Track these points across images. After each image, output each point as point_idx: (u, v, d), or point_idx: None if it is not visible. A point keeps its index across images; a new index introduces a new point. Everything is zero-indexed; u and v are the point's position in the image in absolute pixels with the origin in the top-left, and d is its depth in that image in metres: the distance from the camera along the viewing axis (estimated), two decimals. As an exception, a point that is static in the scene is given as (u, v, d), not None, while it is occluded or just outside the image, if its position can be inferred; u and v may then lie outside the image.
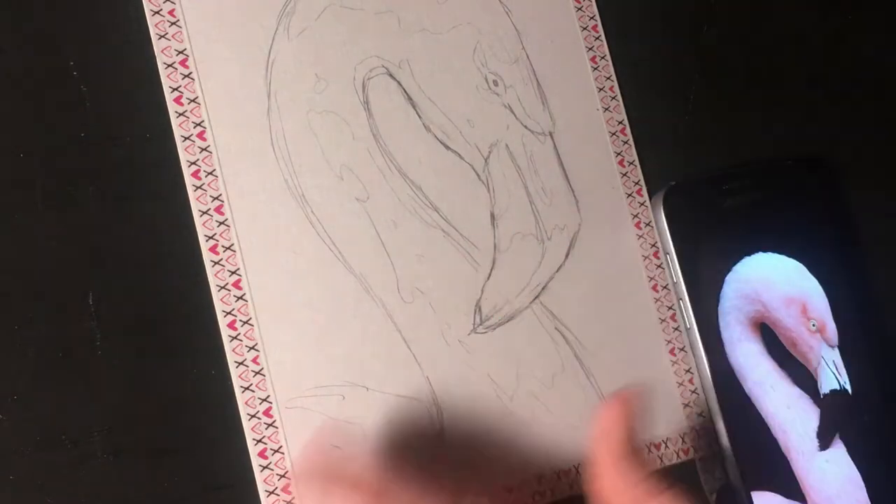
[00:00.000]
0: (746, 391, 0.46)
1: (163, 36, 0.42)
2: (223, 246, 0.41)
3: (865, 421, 0.48)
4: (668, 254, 0.47)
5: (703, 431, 0.47)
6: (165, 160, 0.41)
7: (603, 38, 0.49)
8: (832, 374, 0.48)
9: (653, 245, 0.48)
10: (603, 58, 0.49)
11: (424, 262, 0.44)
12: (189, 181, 0.41)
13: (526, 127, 0.47)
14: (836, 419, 0.47)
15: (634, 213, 0.48)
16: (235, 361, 0.40)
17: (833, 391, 0.48)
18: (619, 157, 0.48)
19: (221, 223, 0.41)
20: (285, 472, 0.40)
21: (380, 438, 0.41)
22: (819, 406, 0.47)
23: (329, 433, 0.41)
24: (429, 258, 0.44)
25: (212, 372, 0.41)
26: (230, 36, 0.43)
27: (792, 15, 0.54)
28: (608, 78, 0.49)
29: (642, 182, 0.48)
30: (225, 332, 0.41)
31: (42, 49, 0.41)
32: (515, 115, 0.46)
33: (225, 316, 0.41)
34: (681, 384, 0.47)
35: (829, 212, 0.51)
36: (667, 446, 0.46)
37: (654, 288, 0.47)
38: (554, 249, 0.46)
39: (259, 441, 0.40)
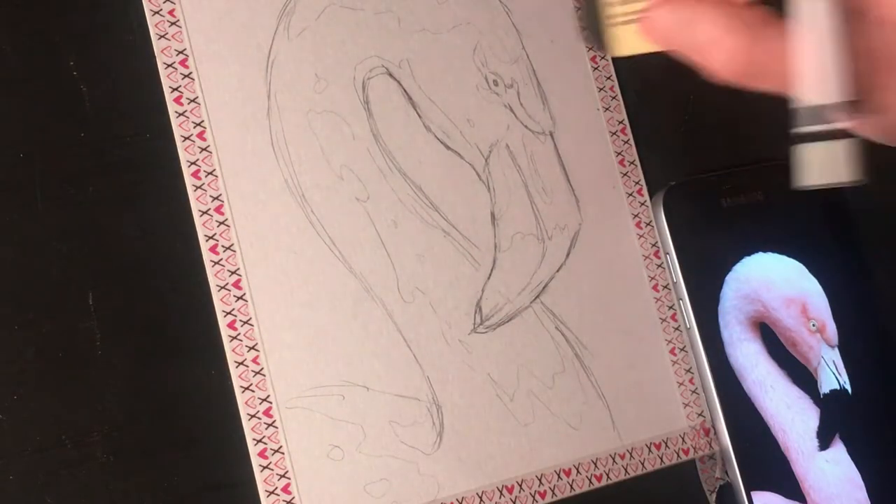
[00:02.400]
0: (746, 391, 0.46)
1: (163, 36, 0.42)
2: (223, 246, 0.41)
3: (865, 421, 0.48)
4: (668, 254, 0.47)
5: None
6: (165, 160, 0.41)
7: (603, 37, 0.49)
8: (832, 374, 0.48)
9: (653, 245, 0.48)
10: (603, 58, 0.49)
11: (424, 262, 0.44)
12: (189, 181, 0.41)
13: (526, 127, 0.47)
14: (836, 419, 0.47)
15: (635, 213, 0.48)
16: (235, 361, 0.40)
17: (833, 391, 0.48)
18: (620, 157, 0.48)
19: (221, 223, 0.41)
20: (285, 472, 0.40)
21: None
22: (819, 406, 0.47)
23: None
24: (429, 258, 0.44)
25: (212, 372, 0.41)
26: (230, 36, 0.43)
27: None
28: (608, 78, 0.49)
29: (643, 182, 0.48)
30: (225, 332, 0.41)
31: (42, 49, 0.41)
32: (516, 115, 0.46)
33: (225, 316, 0.41)
34: (681, 384, 0.47)
35: (829, 212, 0.51)
36: (667, 446, 0.46)
37: (655, 288, 0.47)
38: (554, 249, 0.46)
39: (259, 441, 0.40)
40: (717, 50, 0.37)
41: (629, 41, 0.40)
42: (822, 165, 0.35)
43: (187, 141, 0.41)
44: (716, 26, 0.37)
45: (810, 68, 0.34)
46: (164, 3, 0.42)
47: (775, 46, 0.36)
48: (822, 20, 0.34)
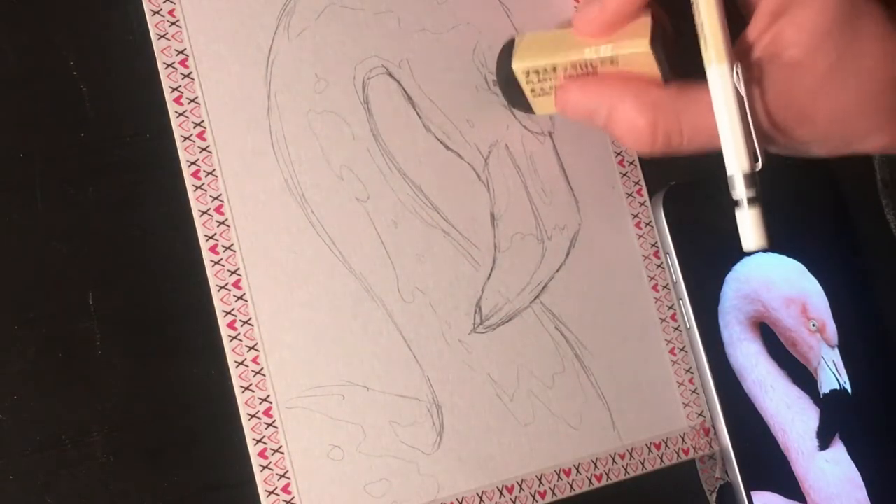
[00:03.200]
0: (746, 391, 0.46)
1: (163, 36, 0.42)
2: (223, 246, 0.41)
3: (865, 421, 0.48)
4: (668, 254, 0.47)
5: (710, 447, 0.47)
6: (165, 160, 0.41)
7: (603, 38, 0.49)
8: (832, 374, 0.48)
9: (653, 245, 0.48)
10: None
11: (424, 262, 0.44)
12: (189, 181, 0.41)
13: (526, 127, 0.47)
14: (836, 419, 0.47)
15: (634, 213, 0.48)
16: (235, 361, 0.40)
17: (833, 391, 0.48)
18: (619, 157, 0.48)
19: (221, 223, 0.41)
20: (285, 472, 0.40)
21: None
22: (819, 406, 0.47)
23: None
24: (429, 258, 0.44)
25: (212, 372, 0.41)
26: (230, 36, 0.43)
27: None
28: (608, 78, 0.49)
29: (642, 182, 0.48)
30: (225, 332, 0.41)
31: (42, 49, 0.41)
32: (515, 116, 0.46)
33: (225, 316, 0.41)
34: (681, 384, 0.47)
35: (829, 212, 0.51)
36: (667, 446, 0.46)
37: (654, 288, 0.47)
38: (554, 249, 0.46)
39: (259, 441, 0.40)
40: (629, 129, 0.38)
41: (550, 108, 0.42)
42: (746, 231, 0.37)
43: (187, 141, 0.41)
44: (625, 108, 0.38)
45: (724, 139, 0.36)
46: (164, 3, 0.42)
47: (687, 120, 0.38)
48: (729, 83, 0.36)
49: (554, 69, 0.40)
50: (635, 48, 0.37)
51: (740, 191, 0.37)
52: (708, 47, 0.37)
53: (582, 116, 0.40)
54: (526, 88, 0.41)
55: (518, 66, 0.40)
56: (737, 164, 0.37)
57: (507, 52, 0.41)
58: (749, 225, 0.37)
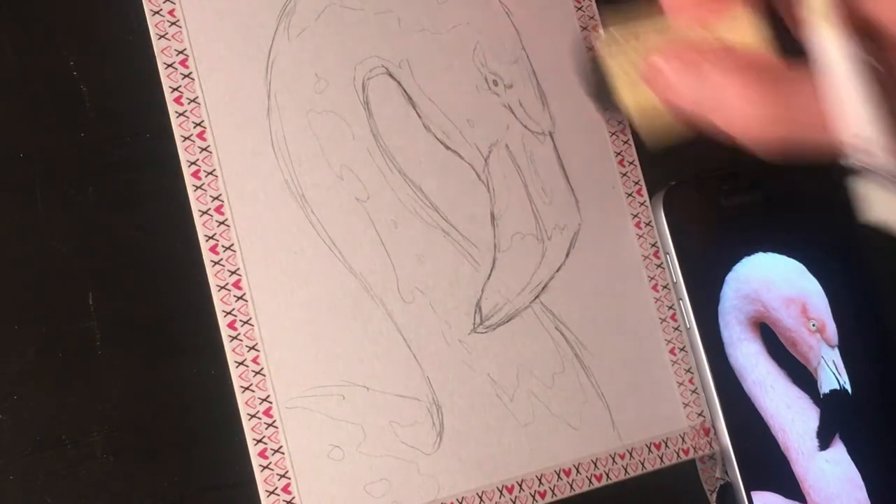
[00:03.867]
0: (746, 391, 0.46)
1: (163, 36, 0.42)
2: (223, 246, 0.41)
3: (865, 421, 0.48)
4: (668, 254, 0.47)
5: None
6: (165, 160, 0.41)
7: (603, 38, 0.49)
8: (832, 374, 0.48)
9: (653, 245, 0.48)
10: (603, 58, 0.49)
11: (424, 262, 0.44)
12: (189, 181, 0.41)
13: (526, 127, 0.47)
14: (836, 419, 0.47)
15: (634, 213, 0.48)
16: (235, 361, 0.40)
17: (833, 391, 0.48)
18: (619, 157, 0.48)
19: (221, 223, 0.41)
20: (285, 472, 0.40)
21: None
22: (819, 406, 0.47)
23: None
24: (429, 258, 0.44)
25: (212, 372, 0.41)
26: (230, 36, 0.43)
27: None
28: (608, 78, 0.49)
29: (642, 182, 0.48)
30: (225, 332, 0.41)
31: (42, 49, 0.41)
32: (515, 115, 0.46)
33: (225, 316, 0.41)
34: (681, 384, 0.47)
35: (828, 212, 0.51)
36: (667, 446, 0.46)
37: (654, 288, 0.47)
38: (554, 249, 0.46)
39: (259, 441, 0.40)
40: (739, 105, 0.33)
41: (647, 99, 0.35)
42: (873, 202, 0.34)
43: (187, 141, 0.41)
44: (732, 81, 0.33)
45: (848, 107, 0.32)
46: (164, 3, 0.42)
47: (797, 94, 0.33)
48: (845, 54, 0.32)
49: (647, 52, 0.34)
50: (739, 28, 0.33)
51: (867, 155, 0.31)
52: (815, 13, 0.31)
53: (687, 103, 0.34)
54: (623, 83, 0.35)
55: (609, 58, 0.35)
56: (858, 126, 0.30)
57: (591, 52, 0.36)
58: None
